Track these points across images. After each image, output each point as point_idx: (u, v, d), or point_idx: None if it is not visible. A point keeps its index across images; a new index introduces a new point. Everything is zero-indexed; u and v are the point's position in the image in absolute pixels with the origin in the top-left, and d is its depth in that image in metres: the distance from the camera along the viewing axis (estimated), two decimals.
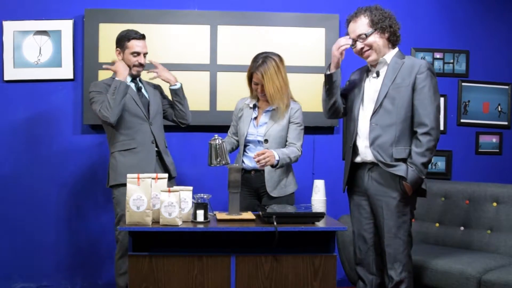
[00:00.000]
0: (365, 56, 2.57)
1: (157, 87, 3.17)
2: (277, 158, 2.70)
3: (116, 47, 2.99)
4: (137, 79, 3.04)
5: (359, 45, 2.54)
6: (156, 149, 2.98)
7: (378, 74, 2.57)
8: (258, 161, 2.67)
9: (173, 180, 3.08)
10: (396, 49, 2.58)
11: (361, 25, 2.52)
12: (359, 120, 2.59)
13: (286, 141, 2.88)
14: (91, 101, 2.93)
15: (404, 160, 2.47)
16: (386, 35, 2.52)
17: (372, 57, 2.55)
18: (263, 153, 2.67)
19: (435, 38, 3.84)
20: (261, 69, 2.78)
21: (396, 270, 2.49)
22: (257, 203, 2.91)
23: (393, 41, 2.55)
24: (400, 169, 2.45)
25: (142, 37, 2.97)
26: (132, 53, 2.93)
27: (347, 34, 2.61)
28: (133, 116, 2.93)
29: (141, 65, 2.97)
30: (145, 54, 2.98)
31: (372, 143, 2.52)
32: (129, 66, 2.94)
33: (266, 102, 2.90)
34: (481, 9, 3.89)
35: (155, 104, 3.04)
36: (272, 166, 2.73)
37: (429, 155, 2.43)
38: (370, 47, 2.53)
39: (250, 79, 2.88)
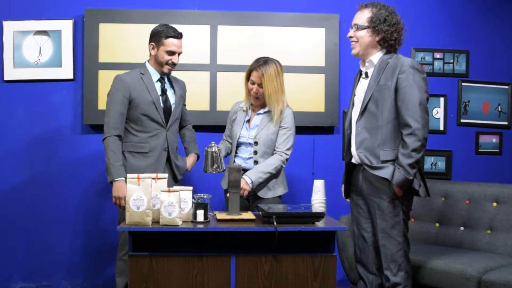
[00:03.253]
0: (351, 47, 2.59)
1: (183, 87, 3.11)
2: (249, 182, 2.79)
3: (151, 41, 2.91)
4: (165, 78, 2.98)
5: (350, 32, 2.58)
6: (167, 155, 2.95)
7: (367, 75, 2.59)
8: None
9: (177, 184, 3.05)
10: (385, 50, 2.56)
11: (362, 16, 2.54)
12: (351, 122, 2.62)
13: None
14: (107, 101, 2.88)
15: (393, 161, 2.46)
16: (377, 37, 2.51)
17: (355, 50, 2.57)
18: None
19: (435, 38, 3.84)
20: (262, 68, 2.83)
21: (391, 270, 2.49)
22: (247, 204, 2.94)
23: (383, 46, 2.53)
24: (386, 171, 2.45)
25: (180, 36, 2.91)
26: (167, 52, 2.87)
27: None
28: (151, 120, 2.89)
29: (173, 65, 2.91)
30: (179, 54, 2.92)
31: (358, 147, 2.53)
32: (161, 63, 2.90)
33: (259, 105, 2.95)
34: (481, 9, 3.89)
35: (177, 111, 3.00)
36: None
37: (416, 155, 2.39)
38: (357, 40, 2.54)
39: (248, 78, 2.91)
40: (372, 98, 2.50)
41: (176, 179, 3.01)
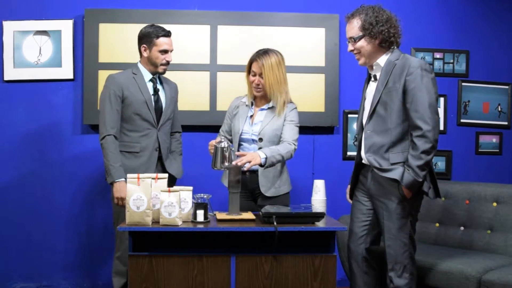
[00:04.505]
0: (356, 58, 2.58)
1: (175, 89, 3.12)
2: (263, 156, 2.63)
3: (142, 43, 2.91)
4: (157, 78, 2.99)
5: (349, 46, 2.55)
6: (158, 155, 2.96)
7: (376, 78, 2.56)
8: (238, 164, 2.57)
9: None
10: (393, 50, 2.53)
11: (353, 28, 2.51)
12: (362, 126, 2.61)
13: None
14: (100, 100, 2.90)
15: (402, 164, 2.45)
16: (377, 41, 2.48)
17: (360, 60, 2.55)
18: (242, 155, 2.60)
19: (435, 38, 3.84)
20: (263, 58, 2.76)
21: (396, 271, 2.49)
22: (253, 205, 2.90)
23: (385, 47, 2.50)
24: (395, 173, 2.43)
25: (170, 34, 2.93)
26: (160, 51, 2.88)
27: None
28: (142, 120, 2.90)
29: (168, 63, 2.93)
30: (171, 51, 2.94)
31: (368, 150, 2.52)
32: (155, 63, 2.91)
33: (262, 100, 2.88)
34: (481, 9, 3.89)
35: (168, 111, 3.00)
36: (261, 165, 2.65)
37: (426, 157, 2.36)
38: (359, 51, 2.52)
39: (249, 71, 2.84)
40: (380, 101, 2.48)
41: (169, 180, 2.99)
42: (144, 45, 2.91)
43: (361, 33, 2.48)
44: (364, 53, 2.51)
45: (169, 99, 3.02)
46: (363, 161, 2.61)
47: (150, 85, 2.96)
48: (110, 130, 2.82)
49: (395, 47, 2.53)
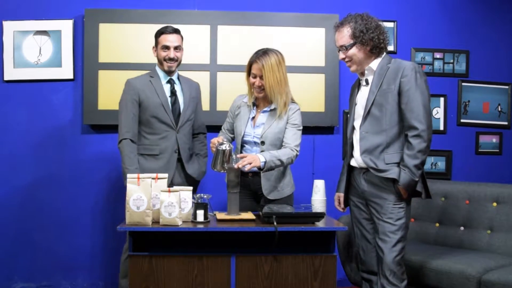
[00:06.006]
0: (347, 66, 2.60)
1: (195, 88, 3.13)
2: (262, 160, 2.62)
3: (153, 45, 3.00)
4: (174, 78, 3.00)
5: (341, 55, 2.57)
6: (178, 157, 2.96)
7: (367, 82, 2.58)
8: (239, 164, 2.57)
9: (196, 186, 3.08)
10: (383, 55, 2.56)
11: (343, 36, 2.53)
12: (354, 129, 2.62)
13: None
14: (119, 105, 2.95)
15: (397, 164, 2.46)
16: (368, 47, 2.50)
17: (352, 68, 2.58)
18: (243, 157, 2.60)
19: (435, 38, 3.84)
20: (262, 59, 2.71)
21: (387, 278, 2.47)
22: (256, 205, 2.87)
23: (376, 53, 2.53)
24: (392, 172, 2.45)
25: (174, 31, 2.94)
26: (162, 48, 2.92)
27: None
28: (160, 122, 2.92)
29: (171, 60, 2.93)
30: (176, 48, 2.93)
31: (363, 151, 2.52)
32: (160, 61, 2.95)
33: (264, 101, 2.85)
34: (481, 9, 3.89)
35: (187, 112, 3.00)
36: (259, 169, 2.64)
37: (422, 157, 2.41)
38: (350, 59, 2.54)
39: (249, 72, 2.80)
40: (374, 103, 2.50)
41: (190, 182, 2.99)
42: (154, 46, 2.98)
43: (352, 41, 2.51)
44: (356, 60, 2.54)
45: (188, 100, 3.02)
46: (353, 164, 2.63)
47: (167, 87, 2.98)
48: (125, 134, 2.86)
49: (385, 53, 2.57)
